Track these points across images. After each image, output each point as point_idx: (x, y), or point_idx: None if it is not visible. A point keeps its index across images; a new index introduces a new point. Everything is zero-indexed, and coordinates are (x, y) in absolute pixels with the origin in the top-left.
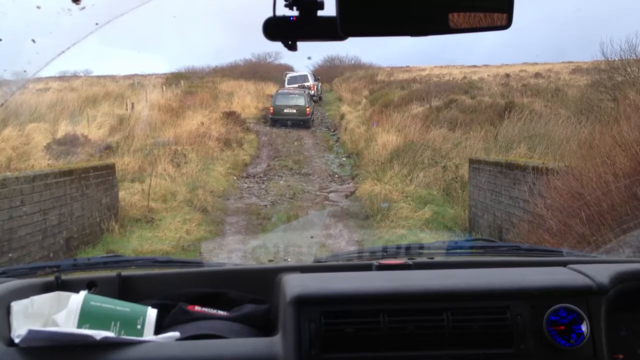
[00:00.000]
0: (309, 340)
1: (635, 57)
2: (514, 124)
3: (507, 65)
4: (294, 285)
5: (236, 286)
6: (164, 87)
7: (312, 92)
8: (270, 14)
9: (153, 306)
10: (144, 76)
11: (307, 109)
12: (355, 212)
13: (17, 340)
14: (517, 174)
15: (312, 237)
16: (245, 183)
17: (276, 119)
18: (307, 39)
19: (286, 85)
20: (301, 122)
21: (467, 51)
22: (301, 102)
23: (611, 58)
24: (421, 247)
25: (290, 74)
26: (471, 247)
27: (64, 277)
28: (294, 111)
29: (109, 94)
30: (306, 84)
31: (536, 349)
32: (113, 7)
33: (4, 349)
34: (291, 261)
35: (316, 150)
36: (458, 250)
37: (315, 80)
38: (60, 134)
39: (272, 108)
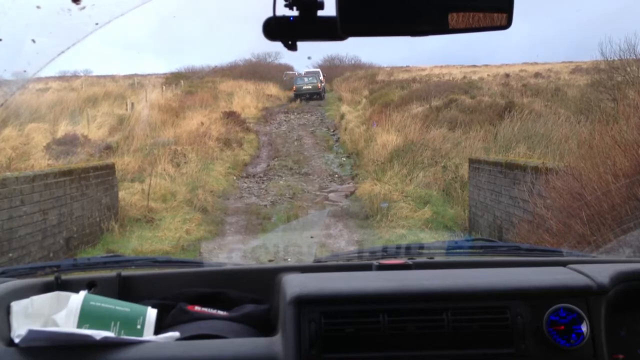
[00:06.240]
0: (309, 340)
1: (634, 57)
2: (514, 123)
3: (507, 65)
4: (294, 285)
5: (236, 286)
6: (164, 87)
7: (322, 84)
8: (270, 14)
9: (153, 306)
10: (144, 76)
11: (319, 85)
12: (355, 212)
13: (17, 340)
14: (516, 173)
15: (312, 237)
16: (245, 183)
17: (298, 94)
18: (307, 39)
19: (298, 82)
20: (315, 94)
21: (467, 51)
22: (314, 81)
23: (610, 58)
24: (421, 247)
25: (305, 69)
26: (471, 247)
27: (63, 277)
28: (310, 87)
29: (109, 94)
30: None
31: (536, 349)
32: (113, 7)
33: (4, 349)
34: (291, 261)
35: (316, 150)
36: (458, 250)
37: (323, 76)
38: (60, 134)
39: (294, 87)
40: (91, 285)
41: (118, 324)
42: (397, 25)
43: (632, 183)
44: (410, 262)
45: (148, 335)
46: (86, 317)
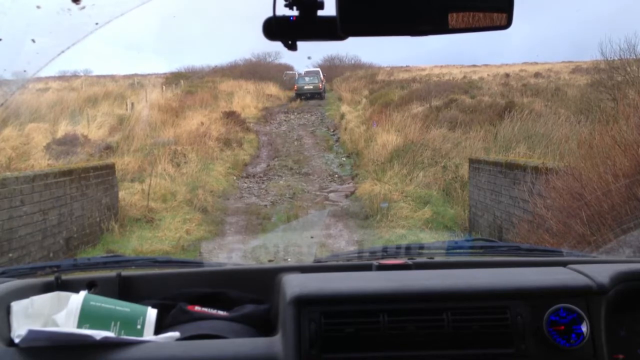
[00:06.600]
0: (309, 340)
1: (634, 57)
2: (514, 123)
3: (507, 65)
4: (294, 285)
5: (236, 286)
6: (164, 87)
7: (323, 83)
8: (270, 14)
9: (153, 306)
10: (144, 76)
11: (320, 85)
12: (355, 212)
13: (17, 340)
14: (516, 173)
15: (312, 237)
16: (245, 183)
17: (299, 94)
18: (307, 38)
19: (299, 82)
20: (316, 94)
21: (467, 51)
22: (315, 80)
23: (610, 58)
24: (421, 247)
25: (305, 69)
26: (471, 247)
27: (64, 277)
28: (311, 87)
29: (109, 93)
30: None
31: (536, 349)
32: (113, 7)
33: (4, 349)
34: (291, 261)
35: (316, 150)
36: (458, 250)
37: (323, 75)
38: (60, 134)
39: (296, 86)
40: (91, 285)
41: (118, 324)
42: (397, 25)
43: (632, 183)
44: (410, 262)
45: (148, 335)
46: (86, 317)
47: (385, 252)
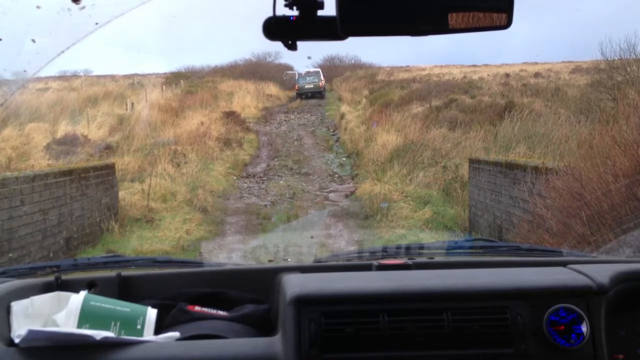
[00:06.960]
0: (309, 340)
1: (634, 57)
2: (514, 123)
3: (507, 65)
4: (294, 285)
5: (236, 286)
6: (164, 86)
7: (323, 83)
8: (270, 14)
9: (153, 306)
10: (144, 76)
11: (320, 84)
12: (355, 212)
13: (17, 340)
14: (516, 173)
15: (312, 237)
16: (245, 183)
17: (300, 93)
18: (307, 38)
19: (300, 81)
20: (317, 93)
21: (467, 51)
22: (316, 80)
23: (610, 58)
24: (421, 247)
25: (305, 69)
26: (471, 247)
27: (64, 277)
28: (312, 86)
29: (109, 93)
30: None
31: (536, 349)
32: (113, 7)
33: (4, 349)
34: (291, 261)
35: (316, 150)
36: (458, 250)
37: (323, 75)
38: (60, 133)
39: (297, 86)
40: (91, 285)
41: (118, 324)
42: (397, 25)
43: (632, 183)
44: (410, 262)
45: (148, 335)
46: (86, 317)
47: (385, 252)
